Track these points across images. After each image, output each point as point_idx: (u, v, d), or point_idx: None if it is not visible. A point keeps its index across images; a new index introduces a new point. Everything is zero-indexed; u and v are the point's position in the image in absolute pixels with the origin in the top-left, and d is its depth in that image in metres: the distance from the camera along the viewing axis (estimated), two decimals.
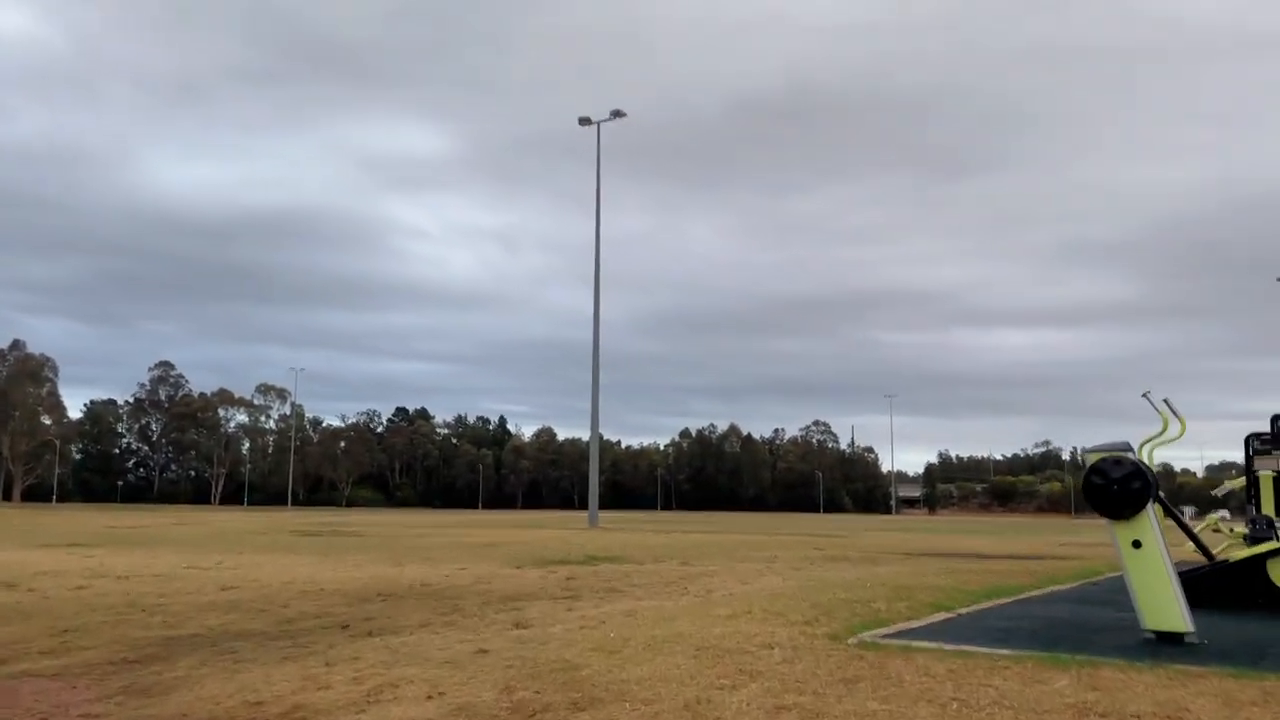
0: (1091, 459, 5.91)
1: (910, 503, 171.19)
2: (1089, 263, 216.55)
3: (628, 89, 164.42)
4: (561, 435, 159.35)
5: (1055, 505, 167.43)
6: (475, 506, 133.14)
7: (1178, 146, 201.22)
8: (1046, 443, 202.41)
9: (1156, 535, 5.67)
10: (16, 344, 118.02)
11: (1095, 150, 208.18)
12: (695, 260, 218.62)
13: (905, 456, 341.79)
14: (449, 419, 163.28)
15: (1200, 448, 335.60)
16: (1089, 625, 7.33)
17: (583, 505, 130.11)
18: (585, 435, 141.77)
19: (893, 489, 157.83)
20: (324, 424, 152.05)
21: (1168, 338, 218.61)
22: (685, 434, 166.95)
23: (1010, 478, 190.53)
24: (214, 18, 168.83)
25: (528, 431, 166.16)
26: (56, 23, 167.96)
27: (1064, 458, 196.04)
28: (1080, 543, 30.35)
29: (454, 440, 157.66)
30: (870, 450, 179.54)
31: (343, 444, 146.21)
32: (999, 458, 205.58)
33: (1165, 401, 7.82)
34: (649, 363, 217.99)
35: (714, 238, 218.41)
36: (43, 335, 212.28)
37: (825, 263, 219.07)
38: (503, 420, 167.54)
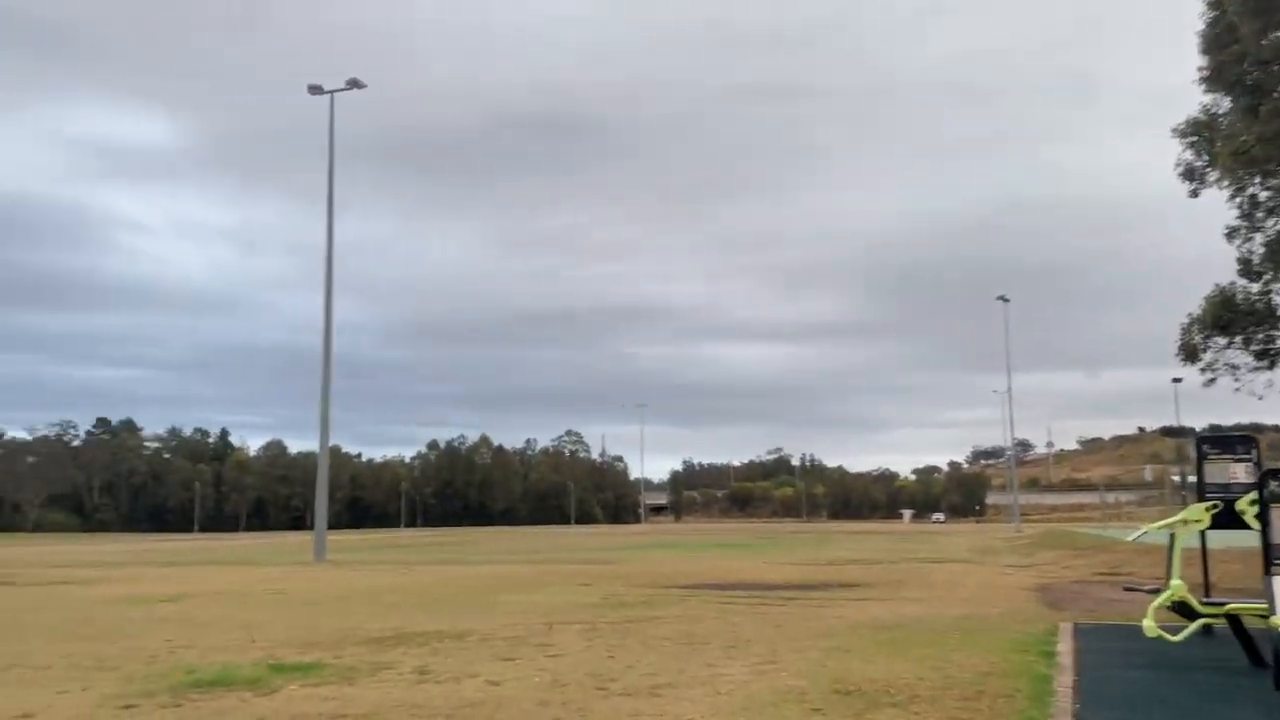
0: None
1: (658, 509, 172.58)
2: (818, 283, 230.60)
3: (384, 92, 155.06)
4: (294, 448, 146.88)
5: (788, 509, 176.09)
6: (190, 529, 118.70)
7: (891, 179, 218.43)
8: (779, 449, 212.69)
9: None
10: None
11: (823, 180, 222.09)
12: (448, 269, 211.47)
13: (651, 464, 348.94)
14: (161, 431, 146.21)
15: (914, 454, 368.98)
16: None
17: None
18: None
19: (641, 498, 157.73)
20: (6, 436, 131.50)
21: (885, 352, 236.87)
22: (433, 445, 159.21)
23: (748, 484, 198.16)
24: None
25: (255, 445, 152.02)
26: None
27: (794, 463, 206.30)
28: (841, 560, 28.47)
29: (166, 455, 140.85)
30: (620, 459, 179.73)
31: (30, 459, 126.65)
32: (737, 464, 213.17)
33: None
34: (397, 372, 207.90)
35: (467, 247, 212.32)
36: None
37: (576, 276, 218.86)
38: (224, 433, 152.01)
